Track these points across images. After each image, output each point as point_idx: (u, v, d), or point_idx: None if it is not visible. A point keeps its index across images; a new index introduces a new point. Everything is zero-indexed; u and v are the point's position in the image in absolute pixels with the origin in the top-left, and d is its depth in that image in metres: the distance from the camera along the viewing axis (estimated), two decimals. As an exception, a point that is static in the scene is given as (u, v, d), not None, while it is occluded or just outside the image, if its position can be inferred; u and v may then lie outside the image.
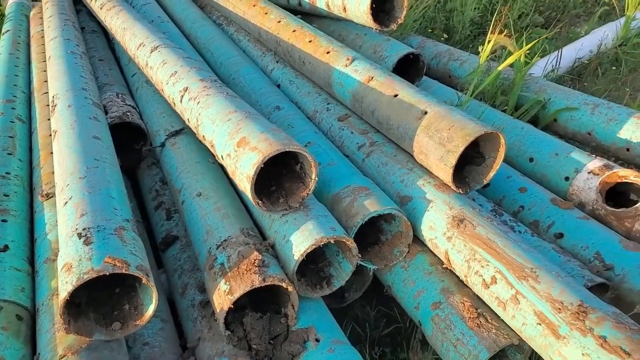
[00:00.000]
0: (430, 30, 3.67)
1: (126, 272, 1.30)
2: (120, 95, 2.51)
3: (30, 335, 1.49)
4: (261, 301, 1.59)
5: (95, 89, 2.40)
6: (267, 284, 1.44)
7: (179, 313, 1.72)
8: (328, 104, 2.29)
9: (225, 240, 1.60)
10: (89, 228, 1.42)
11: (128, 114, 2.34)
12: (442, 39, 3.64)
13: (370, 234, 1.79)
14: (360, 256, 1.60)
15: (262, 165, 1.47)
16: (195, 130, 1.89)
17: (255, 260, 1.48)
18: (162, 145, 2.16)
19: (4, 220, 1.81)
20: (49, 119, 2.44)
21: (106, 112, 2.34)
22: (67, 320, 1.31)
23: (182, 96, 1.97)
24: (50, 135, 2.25)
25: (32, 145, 2.36)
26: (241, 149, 1.55)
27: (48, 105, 2.55)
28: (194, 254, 1.75)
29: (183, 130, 2.16)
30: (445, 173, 1.64)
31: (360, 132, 2.06)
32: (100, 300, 1.46)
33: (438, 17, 3.72)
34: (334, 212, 1.69)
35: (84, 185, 1.60)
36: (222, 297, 1.46)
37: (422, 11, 3.38)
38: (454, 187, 1.67)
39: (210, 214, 1.72)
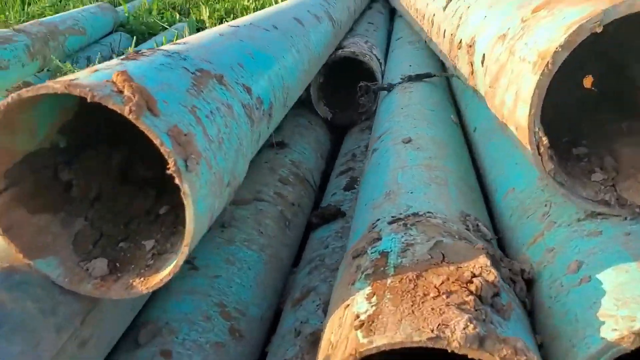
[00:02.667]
0: None
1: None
2: (368, 43, 1.86)
3: None
4: None
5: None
6: None
7: (278, 326, 0.86)
8: None
9: (415, 214, 0.67)
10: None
11: (365, 53, 1.65)
12: None
13: None
14: None
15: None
16: (449, 40, 1.04)
17: (482, 279, 0.51)
18: (389, 88, 1.36)
19: None
20: None
21: (340, 48, 1.70)
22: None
23: (447, 5, 1.16)
24: None
25: None
26: (542, 11, 0.63)
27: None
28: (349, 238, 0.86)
29: (427, 75, 1.33)
30: None
31: None
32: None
33: None
34: None
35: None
36: (348, 328, 0.53)
37: None
38: None
39: (412, 171, 0.82)
